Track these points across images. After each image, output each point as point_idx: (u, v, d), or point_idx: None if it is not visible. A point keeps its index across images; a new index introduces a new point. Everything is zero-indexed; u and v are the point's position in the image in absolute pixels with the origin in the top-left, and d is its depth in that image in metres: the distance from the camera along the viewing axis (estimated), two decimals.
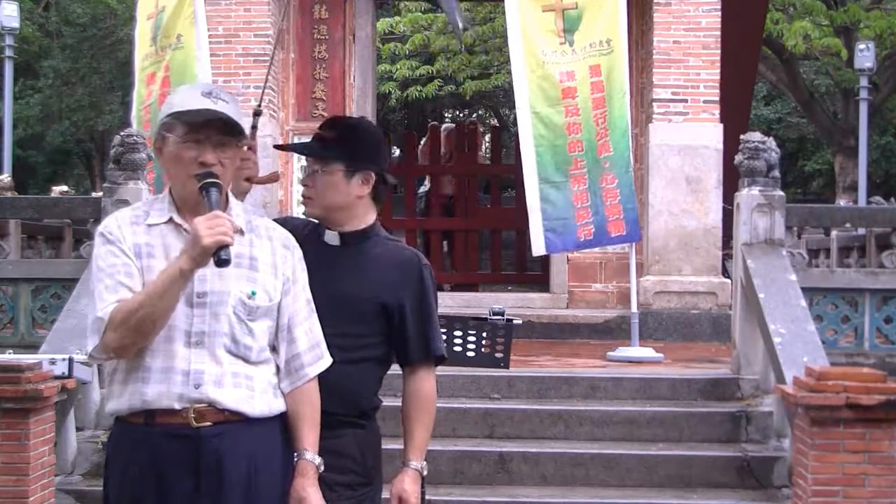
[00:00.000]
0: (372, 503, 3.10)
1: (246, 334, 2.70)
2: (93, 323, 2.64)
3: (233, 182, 2.90)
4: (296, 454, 2.79)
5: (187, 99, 2.71)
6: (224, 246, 2.56)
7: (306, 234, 3.12)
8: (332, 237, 3.12)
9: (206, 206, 2.64)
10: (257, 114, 3.68)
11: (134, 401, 2.66)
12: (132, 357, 2.66)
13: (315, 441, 2.81)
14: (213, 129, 2.69)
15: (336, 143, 3.09)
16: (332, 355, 2.93)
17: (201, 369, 2.65)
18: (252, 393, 2.71)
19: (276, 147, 3.13)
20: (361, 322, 3.03)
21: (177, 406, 2.64)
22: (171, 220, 2.73)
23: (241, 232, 2.75)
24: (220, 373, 2.66)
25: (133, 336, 2.60)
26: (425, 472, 3.06)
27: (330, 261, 3.07)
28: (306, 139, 3.35)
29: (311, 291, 2.93)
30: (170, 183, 2.80)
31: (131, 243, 2.69)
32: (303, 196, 3.16)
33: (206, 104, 2.68)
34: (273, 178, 3.14)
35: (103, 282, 2.65)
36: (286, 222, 3.23)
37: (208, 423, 2.65)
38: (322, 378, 2.89)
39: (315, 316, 2.86)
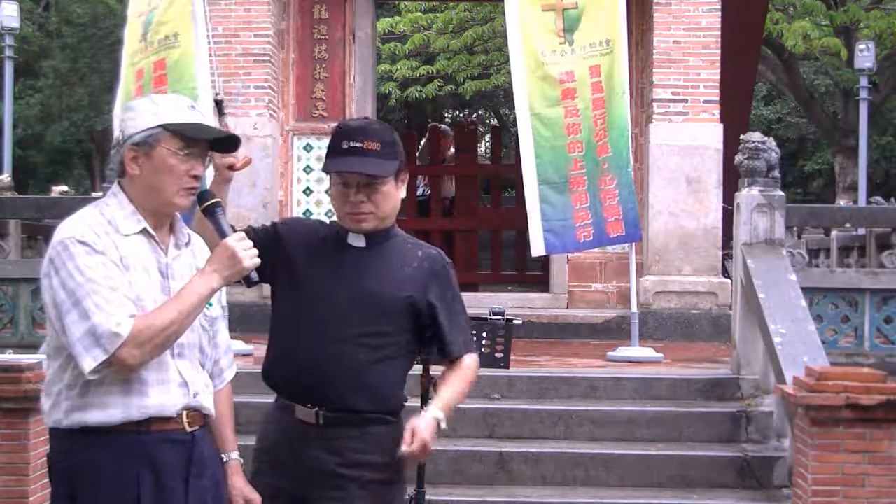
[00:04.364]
0: (401, 498, 3.12)
1: (207, 344, 2.86)
2: (94, 336, 2.54)
3: (217, 172, 3.04)
4: (224, 455, 2.93)
5: (177, 111, 2.73)
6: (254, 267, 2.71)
7: (324, 236, 3.10)
8: (356, 239, 3.07)
9: (213, 227, 2.75)
10: (219, 102, 3.85)
11: (131, 412, 2.64)
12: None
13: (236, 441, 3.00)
14: (204, 142, 2.76)
15: (382, 152, 3.00)
16: (361, 354, 2.97)
17: (192, 379, 2.75)
18: (211, 398, 2.86)
19: (325, 170, 3.08)
20: (389, 320, 3.02)
21: (173, 413, 2.70)
22: (144, 230, 2.72)
23: (187, 244, 2.83)
24: (200, 381, 2.80)
25: (158, 352, 2.62)
26: (443, 426, 2.99)
27: (354, 261, 3.05)
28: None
29: (337, 292, 2.99)
30: (142, 191, 2.72)
31: (117, 255, 2.64)
32: (351, 213, 3.02)
33: (198, 118, 2.76)
34: (247, 162, 3.18)
35: (100, 294, 2.55)
36: (297, 224, 3.23)
37: (196, 427, 2.76)
38: (354, 376, 2.95)
39: (226, 322, 2.98)
